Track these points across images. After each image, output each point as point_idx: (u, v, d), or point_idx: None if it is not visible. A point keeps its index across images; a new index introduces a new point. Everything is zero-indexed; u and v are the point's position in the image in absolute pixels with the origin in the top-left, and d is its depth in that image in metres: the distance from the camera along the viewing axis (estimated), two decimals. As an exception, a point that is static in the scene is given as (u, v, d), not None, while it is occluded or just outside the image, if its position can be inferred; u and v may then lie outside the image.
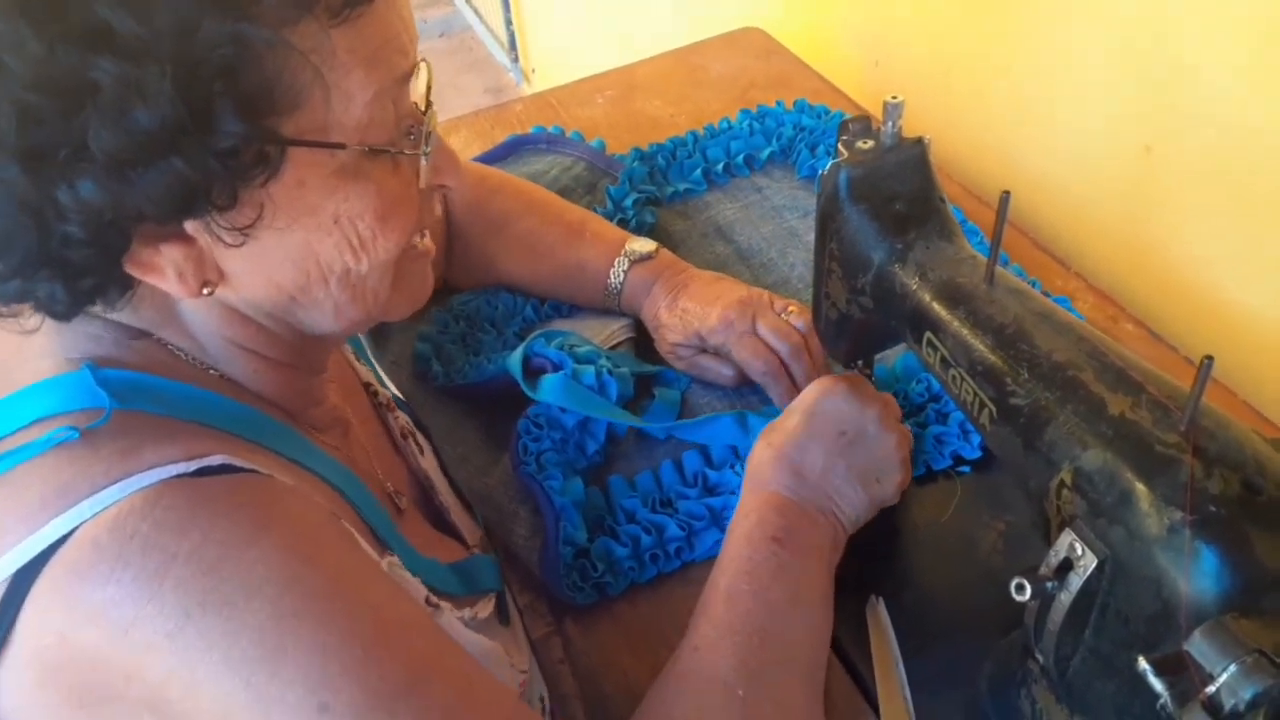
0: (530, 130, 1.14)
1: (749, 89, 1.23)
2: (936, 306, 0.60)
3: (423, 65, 0.53)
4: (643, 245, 0.88)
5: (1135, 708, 0.49)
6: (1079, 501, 0.49)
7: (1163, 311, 0.92)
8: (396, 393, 0.78)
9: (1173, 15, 0.82)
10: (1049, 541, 0.51)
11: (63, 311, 0.47)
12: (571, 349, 0.81)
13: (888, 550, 0.74)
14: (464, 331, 0.89)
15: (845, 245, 0.65)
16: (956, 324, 0.58)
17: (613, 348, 0.87)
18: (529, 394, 0.78)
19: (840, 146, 0.64)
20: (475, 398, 0.84)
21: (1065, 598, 0.49)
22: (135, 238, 0.45)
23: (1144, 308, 0.92)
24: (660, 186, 1.06)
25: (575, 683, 0.69)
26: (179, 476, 0.45)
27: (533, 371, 0.80)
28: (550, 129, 1.14)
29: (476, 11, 3.49)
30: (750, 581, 0.62)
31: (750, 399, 0.84)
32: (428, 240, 0.59)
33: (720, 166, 1.07)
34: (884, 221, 0.63)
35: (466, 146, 1.17)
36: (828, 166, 0.64)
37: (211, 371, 0.54)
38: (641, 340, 0.90)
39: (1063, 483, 0.50)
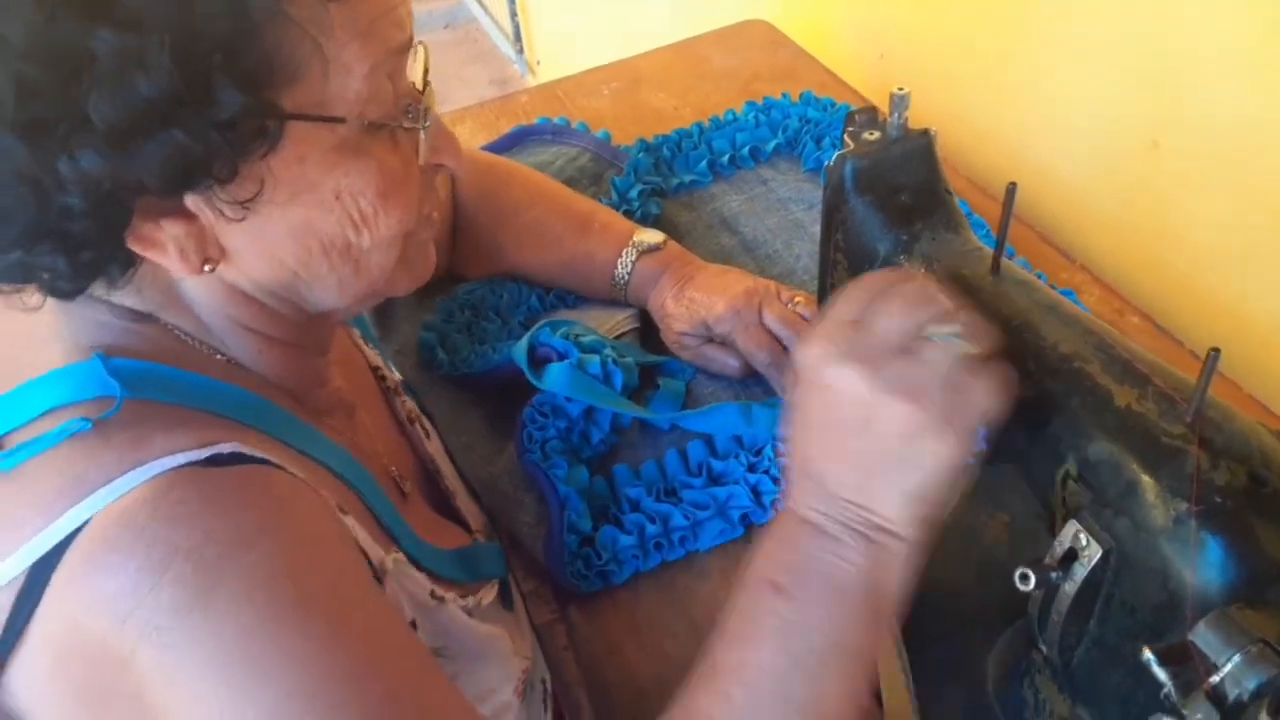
0: (535, 121, 1.14)
1: (753, 81, 1.23)
2: (942, 298, 0.60)
3: (420, 48, 0.53)
4: (651, 237, 0.88)
5: (1139, 698, 0.49)
6: (1084, 492, 0.49)
7: (1168, 305, 0.92)
8: (403, 380, 0.78)
9: (1180, 9, 0.82)
10: (1053, 534, 0.51)
11: (66, 289, 0.47)
12: (577, 338, 0.81)
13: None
14: (469, 321, 0.89)
15: (851, 237, 0.65)
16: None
17: (618, 338, 0.87)
18: (534, 383, 0.78)
19: (846, 138, 0.64)
20: (480, 386, 0.84)
21: (1070, 588, 0.50)
22: (136, 212, 0.45)
23: (1149, 301, 0.92)
24: (665, 178, 1.06)
25: (579, 670, 0.70)
26: (190, 465, 0.45)
27: (538, 361, 0.80)
28: (556, 120, 1.14)
29: (481, 3, 3.48)
30: (745, 642, 0.50)
31: (754, 390, 0.84)
32: (436, 215, 0.60)
33: (726, 158, 1.07)
34: (890, 213, 0.63)
35: (472, 137, 1.17)
36: (833, 158, 0.64)
37: (218, 356, 0.54)
38: (646, 331, 0.90)
39: (1068, 474, 0.50)
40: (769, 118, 1.11)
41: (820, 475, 0.51)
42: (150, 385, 0.49)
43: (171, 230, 0.47)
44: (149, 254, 0.47)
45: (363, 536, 0.52)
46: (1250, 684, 0.40)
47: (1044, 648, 0.55)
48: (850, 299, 0.51)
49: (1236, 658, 0.41)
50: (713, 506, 0.74)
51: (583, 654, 0.70)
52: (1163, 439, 0.46)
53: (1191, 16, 0.81)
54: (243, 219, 0.48)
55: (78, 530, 0.43)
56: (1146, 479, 0.46)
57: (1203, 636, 0.42)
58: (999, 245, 0.57)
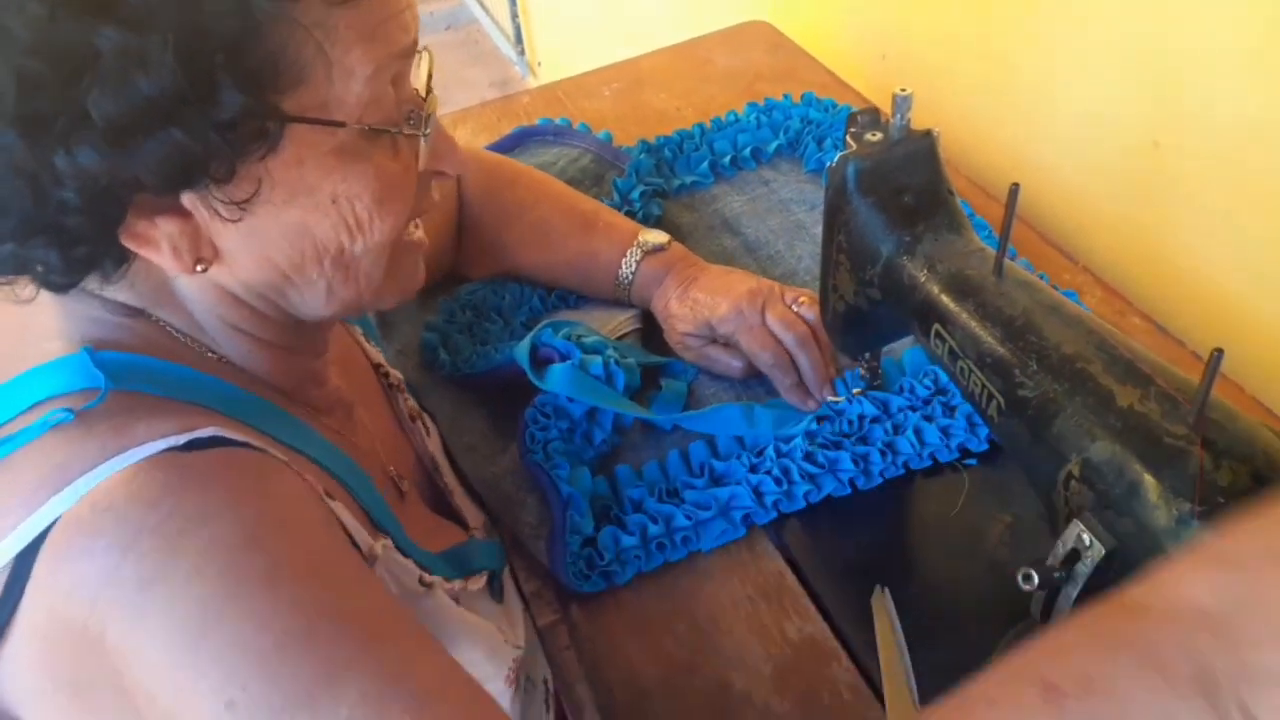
0: (537, 122, 1.14)
1: (755, 82, 1.23)
2: (945, 298, 0.60)
3: (425, 54, 0.53)
4: (655, 237, 0.88)
5: (1141, 699, 0.49)
6: (1087, 493, 0.49)
7: (1170, 306, 0.92)
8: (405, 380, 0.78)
9: (1181, 10, 0.82)
10: (1056, 534, 0.51)
11: (59, 282, 0.47)
12: (579, 339, 0.81)
13: (894, 541, 0.74)
14: (471, 321, 0.89)
15: (853, 237, 0.65)
16: (965, 316, 0.58)
17: (620, 338, 0.87)
18: (536, 383, 0.78)
19: (849, 139, 0.64)
20: (482, 387, 0.85)
21: (1072, 589, 0.50)
22: (131, 209, 0.45)
23: (1151, 302, 0.92)
24: (667, 179, 1.06)
25: (581, 669, 0.70)
26: (169, 450, 0.45)
27: (540, 361, 0.80)
28: (557, 121, 1.14)
29: (482, 4, 3.48)
30: None
31: (757, 390, 0.84)
32: (420, 232, 0.59)
33: (727, 159, 1.07)
34: (892, 214, 0.63)
35: (473, 138, 1.17)
36: (836, 159, 0.64)
37: (209, 354, 0.54)
38: (648, 332, 0.90)
39: (1071, 474, 0.50)
40: (770, 119, 1.11)
41: None
42: (138, 377, 0.49)
43: (166, 228, 0.47)
44: (143, 251, 0.47)
45: (352, 523, 0.52)
46: (1253, 684, 0.40)
47: (1046, 648, 0.55)
48: None
49: (1239, 658, 0.40)
50: (715, 507, 0.74)
51: (585, 654, 0.70)
52: (1165, 439, 0.46)
53: (1192, 17, 0.81)
54: (238, 220, 0.48)
55: (60, 518, 0.43)
56: (1149, 479, 0.46)
57: (1205, 637, 0.42)
58: (1002, 246, 0.57)
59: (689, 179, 1.06)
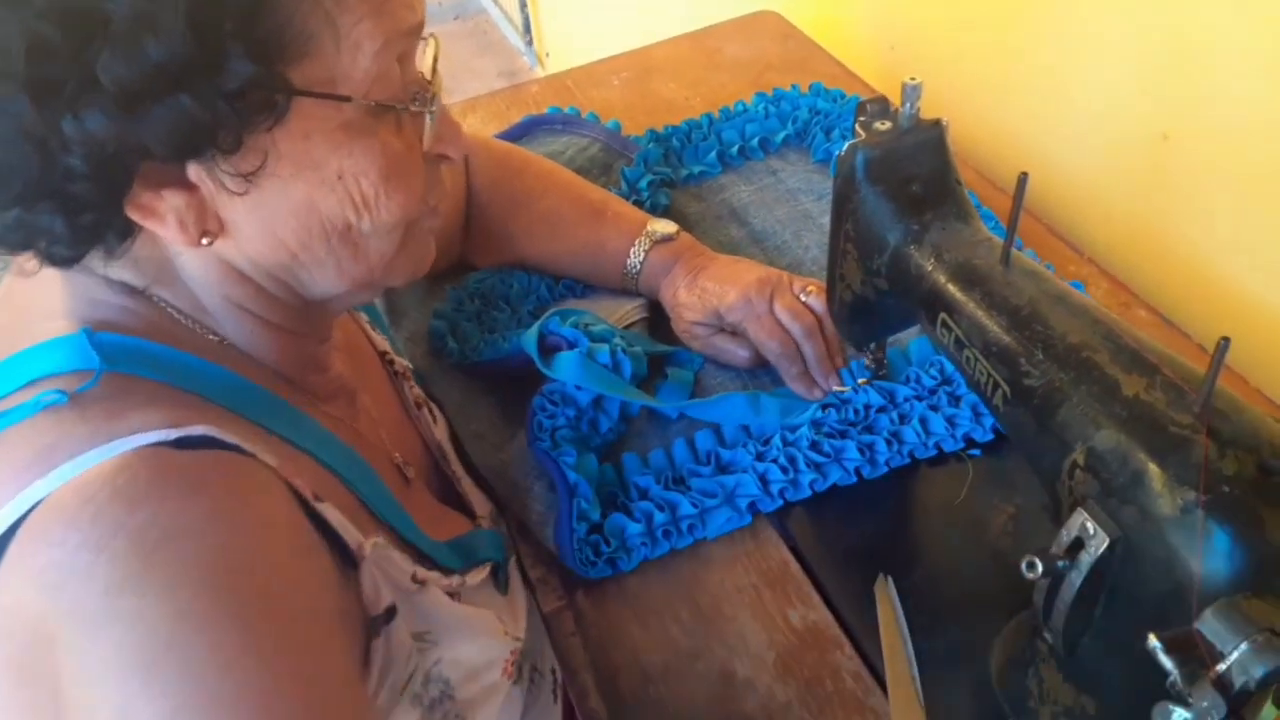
0: (546, 111, 1.14)
1: (764, 72, 1.23)
2: (952, 288, 0.60)
3: (431, 39, 0.54)
4: (664, 227, 0.88)
5: (1143, 687, 0.49)
6: (1092, 481, 0.49)
7: (1176, 298, 0.92)
8: (412, 368, 0.78)
9: (1191, 2, 0.82)
10: (1059, 524, 0.51)
11: (64, 255, 0.47)
12: (586, 328, 0.81)
13: (898, 529, 0.74)
14: (479, 309, 0.89)
15: (861, 226, 0.65)
16: (971, 305, 0.58)
17: (627, 327, 0.87)
18: (544, 371, 0.79)
19: (858, 128, 0.64)
20: (490, 375, 0.85)
21: (1076, 577, 0.50)
22: (138, 179, 0.45)
23: (1157, 294, 0.92)
24: (675, 168, 1.06)
25: (586, 655, 0.70)
26: (158, 444, 0.44)
27: (548, 349, 0.80)
28: (566, 110, 1.14)
29: (490, -6, 3.48)
30: None
31: (763, 379, 0.84)
32: (438, 206, 0.60)
33: (735, 149, 1.07)
34: (900, 203, 0.63)
35: (483, 127, 1.17)
36: (845, 147, 0.64)
37: (210, 336, 0.54)
38: (655, 321, 0.90)
39: (1075, 463, 0.50)
40: (778, 109, 1.11)
41: None
42: (135, 360, 0.49)
43: (172, 200, 0.47)
44: (148, 223, 0.47)
45: (341, 522, 0.51)
46: (1257, 672, 0.40)
47: (1048, 637, 0.55)
48: None
49: (1243, 646, 0.41)
50: (720, 495, 0.74)
51: (589, 640, 0.71)
52: (1171, 428, 0.46)
53: (1202, 10, 0.81)
54: (244, 192, 0.48)
55: (41, 501, 0.42)
56: (1154, 468, 0.46)
57: (1209, 625, 0.42)
58: (1009, 235, 0.58)
59: (697, 169, 1.06)
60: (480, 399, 0.84)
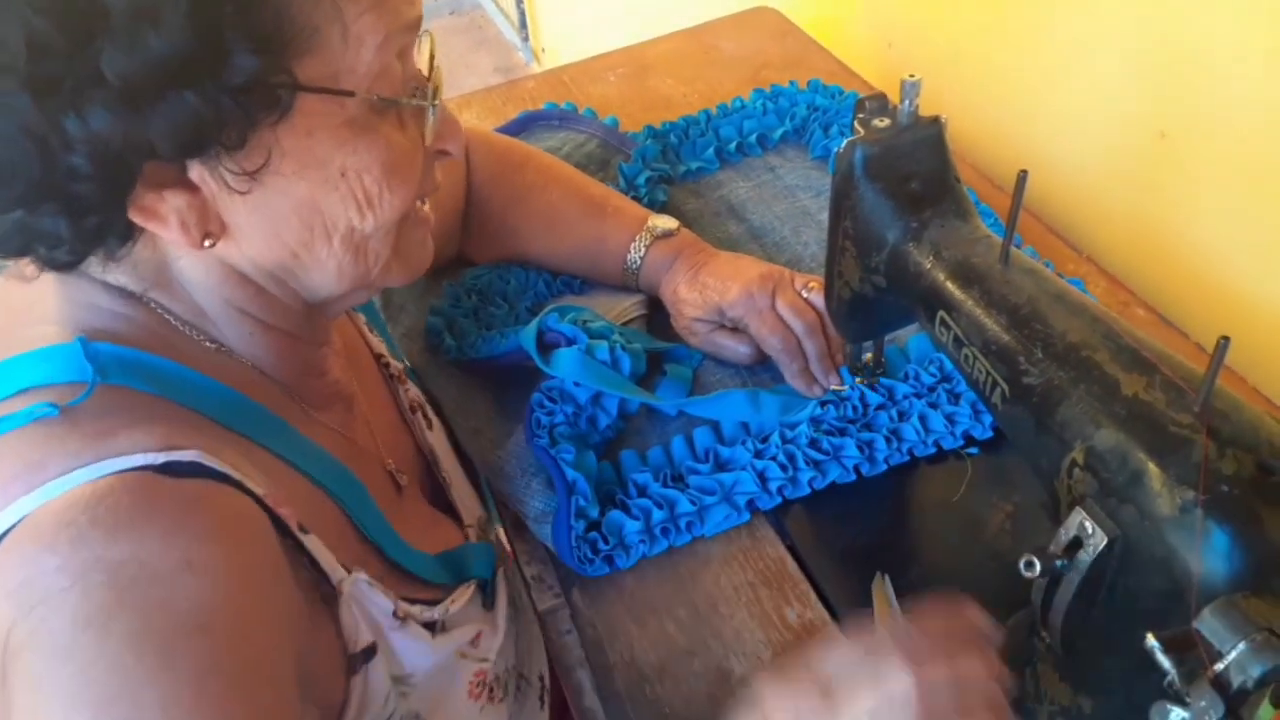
0: (543, 107, 1.14)
1: (762, 69, 1.23)
2: (950, 285, 0.60)
3: (427, 35, 0.53)
4: (665, 223, 0.88)
5: (1141, 686, 0.49)
6: (1090, 480, 0.49)
7: (1174, 297, 0.92)
8: (409, 365, 0.78)
9: (1189, 1, 0.82)
10: (1057, 523, 0.51)
11: (64, 259, 0.47)
12: (585, 324, 0.81)
13: (895, 528, 0.74)
14: (476, 306, 0.89)
15: (860, 223, 0.65)
16: (970, 303, 0.58)
17: (625, 324, 0.87)
18: (543, 368, 0.78)
19: (856, 124, 0.64)
20: (487, 371, 0.85)
21: (1074, 576, 0.50)
22: (140, 179, 0.45)
23: (1156, 293, 0.92)
24: (673, 164, 1.05)
25: (582, 653, 0.70)
26: (145, 468, 0.44)
27: (546, 346, 0.80)
28: (563, 106, 1.13)
29: (487, -11, 3.47)
30: None
31: (762, 377, 0.84)
32: (427, 208, 0.59)
33: (733, 145, 1.07)
34: (899, 200, 0.63)
35: (479, 123, 1.16)
36: (844, 144, 0.64)
37: (208, 344, 0.53)
38: (653, 317, 0.90)
39: (1074, 462, 0.50)
40: (777, 105, 1.11)
41: None
42: (130, 373, 0.48)
43: (174, 201, 0.46)
44: (150, 225, 0.47)
45: (324, 555, 0.51)
46: (1255, 672, 0.40)
47: (1046, 636, 0.55)
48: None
49: (1241, 646, 0.41)
50: (719, 492, 0.74)
51: (585, 637, 0.71)
52: (1170, 428, 0.46)
53: (1200, 8, 0.81)
54: (247, 191, 0.47)
55: (26, 517, 0.42)
56: (1153, 467, 0.46)
57: (1208, 624, 0.42)
58: (1009, 233, 0.57)
59: (695, 165, 1.06)
60: (478, 395, 0.84)
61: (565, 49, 2.82)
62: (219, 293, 0.53)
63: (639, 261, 0.87)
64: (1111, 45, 0.91)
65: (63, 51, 0.40)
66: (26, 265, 0.48)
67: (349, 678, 0.52)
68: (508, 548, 0.78)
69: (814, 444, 0.77)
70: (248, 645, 0.44)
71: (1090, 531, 0.48)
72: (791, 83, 1.14)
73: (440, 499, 0.72)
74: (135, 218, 0.46)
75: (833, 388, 0.80)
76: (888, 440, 0.77)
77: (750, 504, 0.75)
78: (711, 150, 1.06)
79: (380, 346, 0.76)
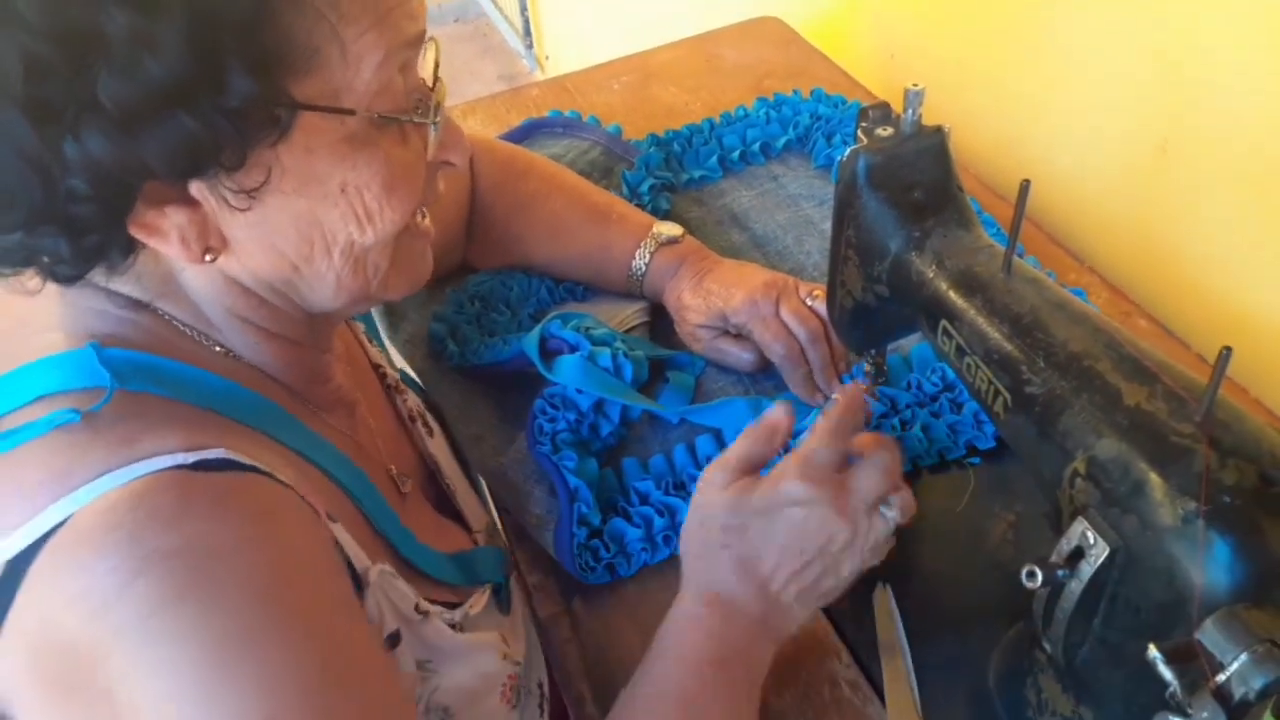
0: (547, 114, 1.14)
1: (765, 78, 1.23)
2: (953, 294, 0.60)
3: (431, 44, 0.53)
4: (670, 229, 0.88)
5: (1143, 697, 0.49)
6: (1092, 490, 0.49)
7: (1176, 308, 0.92)
8: (410, 372, 0.78)
9: (1191, 13, 0.82)
10: (1059, 532, 0.51)
11: (66, 273, 0.47)
12: (587, 331, 0.81)
13: (897, 537, 0.74)
14: (479, 312, 0.89)
15: (862, 232, 0.65)
16: (973, 312, 0.58)
17: (627, 331, 0.87)
18: (546, 374, 0.78)
19: (859, 133, 0.64)
20: (489, 378, 0.85)
21: (1076, 586, 0.50)
22: (140, 198, 0.45)
23: (1157, 304, 0.92)
24: (676, 173, 1.06)
25: (581, 662, 0.70)
26: (177, 468, 0.44)
27: (549, 352, 0.80)
28: (567, 113, 1.14)
29: (492, -3, 3.48)
30: (688, 708, 0.57)
31: (764, 384, 0.84)
32: (427, 221, 0.59)
33: (736, 154, 1.07)
34: (902, 209, 0.63)
35: (482, 130, 1.17)
36: (846, 153, 0.64)
37: (216, 348, 0.54)
38: (655, 325, 0.90)
39: (1076, 471, 0.50)
40: (780, 114, 1.11)
41: (767, 586, 0.59)
42: (144, 377, 0.48)
43: (175, 218, 0.46)
44: (151, 241, 0.47)
45: (350, 545, 0.52)
46: (1257, 683, 0.40)
47: (1047, 647, 0.55)
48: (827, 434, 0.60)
49: (1243, 657, 0.41)
50: (720, 500, 0.74)
51: (587, 645, 0.70)
52: (1172, 438, 0.46)
53: (1202, 20, 0.81)
54: (247, 208, 0.47)
55: (57, 527, 0.43)
56: (1155, 478, 0.46)
57: (1209, 635, 0.42)
58: (1011, 242, 0.57)
59: (698, 173, 1.06)
60: (480, 402, 0.84)
61: (569, 57, 2.83)
62: (221, 302, 0.53)
63: (644, 268, 0.87)
64: (1114, 57, 0.91)
65: (61, 76, 0.40)
66: (30, 278, 0.48)
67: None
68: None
69: (816, 452, 0.77)
70: (319, 595, 0.46)
71: (1092, 542, 0.48)
72: (795, 92, 1.15)
73: (445, 506, 0.72)
74: (136, 234, 0.46)
75: (835, 396, 0.80)
76: (890, 449, 0.77)
77: (752, 512, 0.75)
78: (715, 158, 1.07)
79: (378, 356, 0.76)
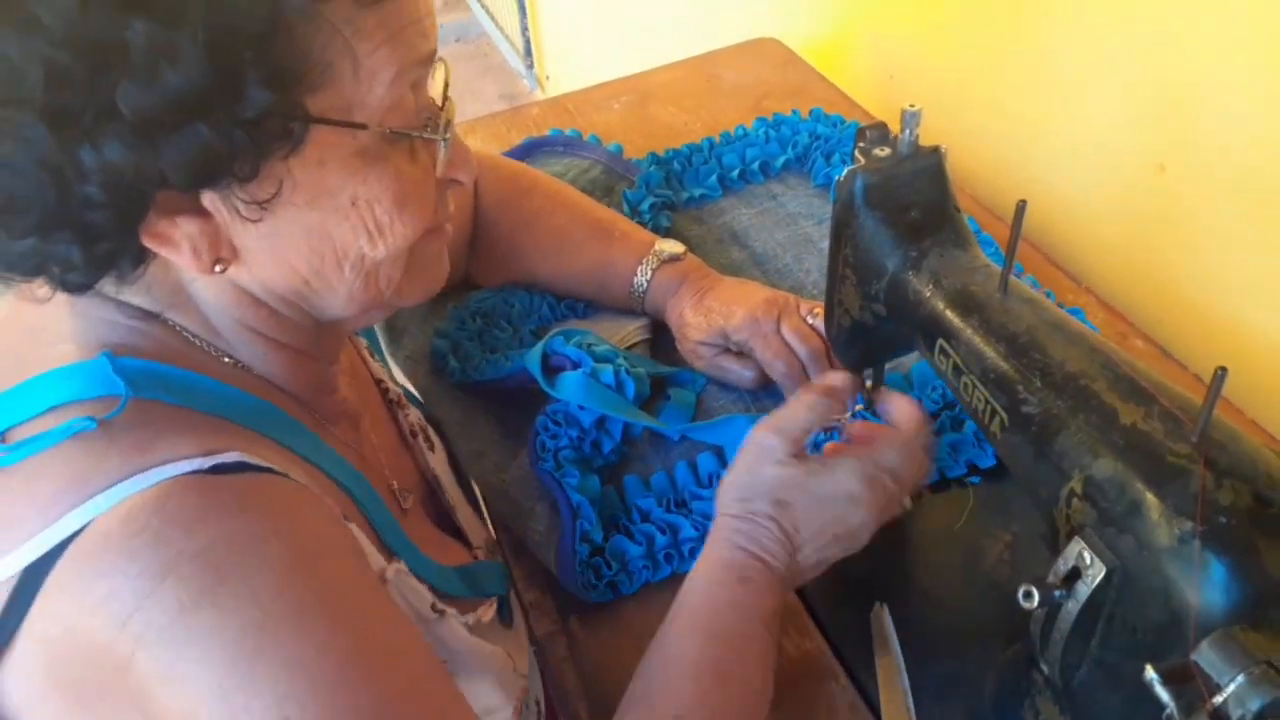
0: (548, 133, 1.15)
1: (764, 98, 1.24)
2: (950, 314, 0.60)
3: (441, 64, 0.54)
4: (672, 247, 0.88)
5: (1139, 718, 0.49)
6: (1089, 510, 0.49)
7: (1173, 329, 0.92)
8: (411, 388, 0.78)
9: (1187, 35, 0.83)
10: (1056, 552, 0.51)
11: (77, 282, 0.47)
12: (590, 348, 0.81)
13: (893, 557, 0.74)
14: (480, 329, 0.89)
15: (860, 251, 0.65)
16: (969, 332, 0.58)
17: (629, 348, 0.87)
18: (548, 391, 0.78)
19: (857, 153, 0.64)
20: (491, 394, 0.85)
21: (1073, 606, 0.50)
22: (153, 207, 0.45)
23: (1154, 325, 0.93)
24: (676, 191, 1.06)
25: (579, 681, 0.69)
26: (194, 473, 0.45)
27: (551, 369, 0.80)
28: (567, 132, 1.14)
29: (493, 18, 3.50)
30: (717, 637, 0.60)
31: (765, 402, 0.84)
32: (447, 225, 0.60)
33: (736, 173, 1.08)
34: (899, 229, 0.64)
35: (482, 148, 1.17)
36: (844, 172, 0.64)
37: (225, 359, 0.54)
38: (656, 342, 0.90)
39: (1073, 491, 0.50)
40: (779, 133, 1.12)
41: (798, 549, 0.63)
42: (156, 386, 0.49)
43: (186, 228, 0.47)
44: (163, 250, 0.47)
45: (366, 546, 0.52)
46: (1253, 705, 0.40)
47: (1045, 668, 0.54)
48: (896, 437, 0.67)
49: (1240, 678, 0.41)
50: (720, 518, 0.74)
51: (584, 665, 0.70)
52: (1168, 458, 0.46)
53: (1199, 42, 0.82)
54: (259, 219, 0.48)
55: (75, 534, 0.43)
56: (1151, 498, 0.46)
57: (1206, 657, 0.42)
58: (1008, 262, 0.58)
59: (698, 192, 1.06)
60: (481, 418, 0.84)
61: (569, 77, 2.85)
62: (231, 313, 0.53)
63: (645, 285, 0.87)
64: (1111, 78, 0.92)
65: (81, 84, 0.41)
66: (40, 287, 0.48)
67: None
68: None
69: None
70: (349, 581, 0.48)
71: (1089, 562, 0.48)
72: (794, 111, 1.15)
73: (445, 523, 0.72)
74: (148, 243, 0.47)
75: (837, 418, 0.80)
76: (888, 468, 0.77)
77: (751, 530, 0.74)
78: (714, 177, 1.07)
79: (380, 371, 0.76)
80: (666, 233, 0.99)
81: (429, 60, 0.51)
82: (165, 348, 0.52)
